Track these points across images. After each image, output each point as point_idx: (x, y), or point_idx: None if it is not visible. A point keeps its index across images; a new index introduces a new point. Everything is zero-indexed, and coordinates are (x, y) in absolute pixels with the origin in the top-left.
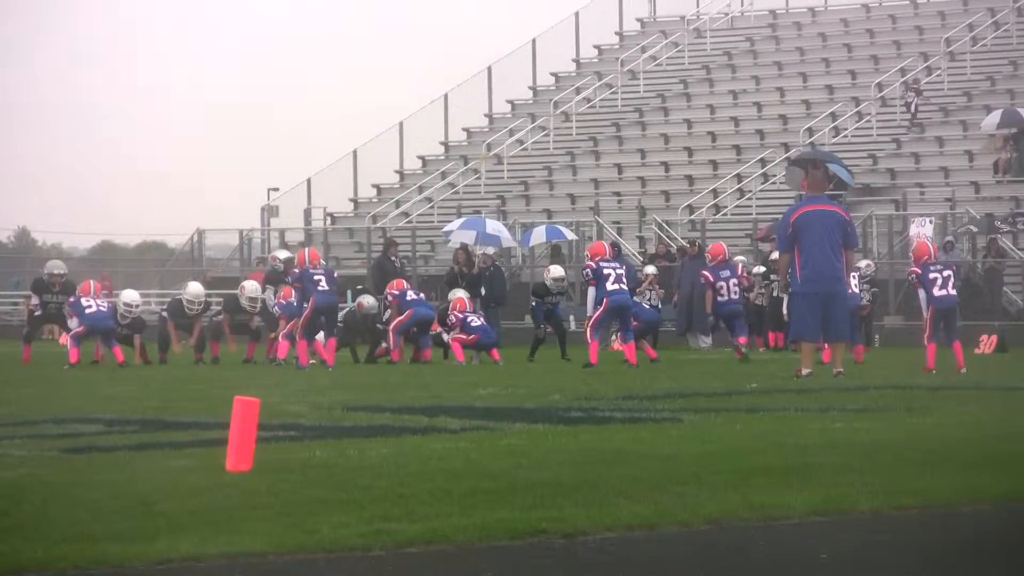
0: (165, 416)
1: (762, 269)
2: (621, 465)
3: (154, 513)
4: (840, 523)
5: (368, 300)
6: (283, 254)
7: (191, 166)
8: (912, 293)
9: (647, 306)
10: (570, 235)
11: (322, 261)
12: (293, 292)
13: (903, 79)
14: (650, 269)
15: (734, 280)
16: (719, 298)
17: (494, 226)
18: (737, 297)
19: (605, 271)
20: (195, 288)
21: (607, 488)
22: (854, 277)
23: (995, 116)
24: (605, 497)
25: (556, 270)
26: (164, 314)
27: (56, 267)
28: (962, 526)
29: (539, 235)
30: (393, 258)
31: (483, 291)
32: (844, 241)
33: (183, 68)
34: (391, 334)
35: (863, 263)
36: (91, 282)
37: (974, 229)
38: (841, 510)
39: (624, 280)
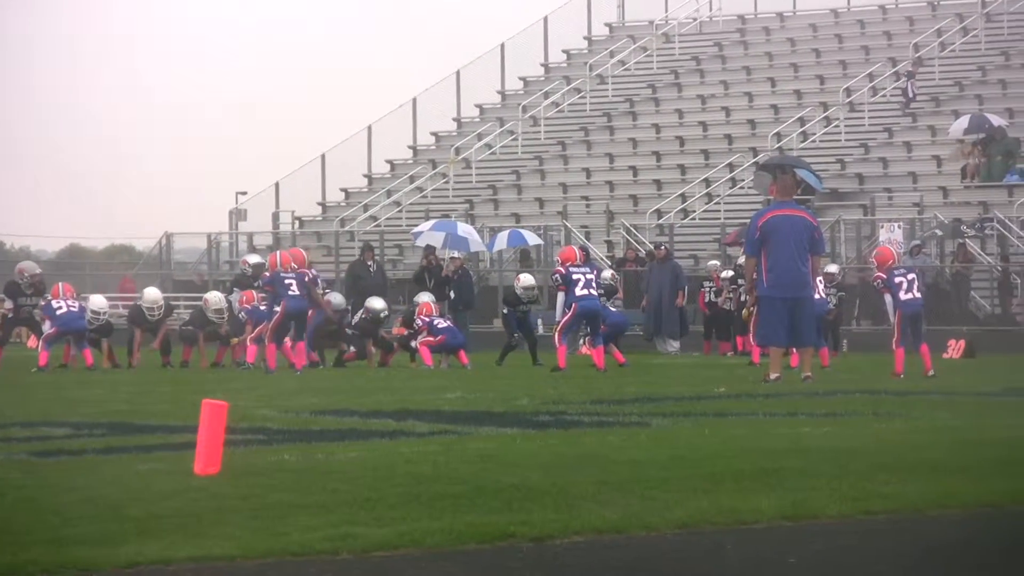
0: (134, 420)
1: (730, 274)
2: (590, 469)
3: (123, 517)
4: (809, 528)
5: (336, 298)
6: (253, 258)
7: (158, 168)
8: (879, 298)
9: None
10: (533, 240)
11: (293, 264)
12: (257, 296)
13: (893, 69)
14: (606, 274)
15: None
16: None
17: (465, 229)
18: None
19: (575, 276)
20: (152, 294)
21: (576, 492)
22: (821, 282)
23: (963, 121)
24: (574, 501)
25: (526, 279)
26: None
27: (30, 268)
28: (931, 532)
29: (501, 240)
30: (369, 263)
31: (451, 294)
32: (811, 246)
33: (151, 70)
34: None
35: (832, 267)
36: (60, 284)
37: (939, 233)
38: (810, 515)
39: (593, 285)
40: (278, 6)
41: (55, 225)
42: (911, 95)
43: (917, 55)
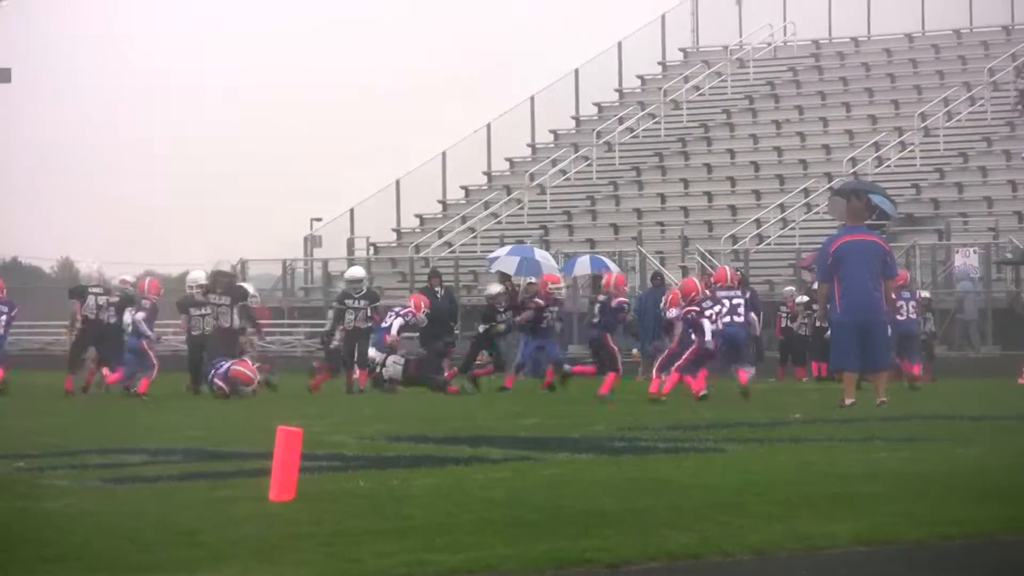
0: (208, 446)
1: (805, 299)
2: (665, 495)
3: (197, 543)
4: (885, 553)
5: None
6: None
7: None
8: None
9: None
10: (613, 267)
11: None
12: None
13: (969, 94)
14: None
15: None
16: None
17: (541, 254)
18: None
19: (722, 300)
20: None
21: (651, 518)
22: (914, 305)
23: None
24: (649, 527)
25: (495, 287)
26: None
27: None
28: (1005, 555)
29: (583, 265)
30: (436, 288)
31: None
32: (884, 271)
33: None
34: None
35: (925, 292)
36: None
37: (1010, 256)
38: (886, 540)
39: (739, 311)
40: (352, 33)
41: (129, 253)
42: None
43: (968, 95)
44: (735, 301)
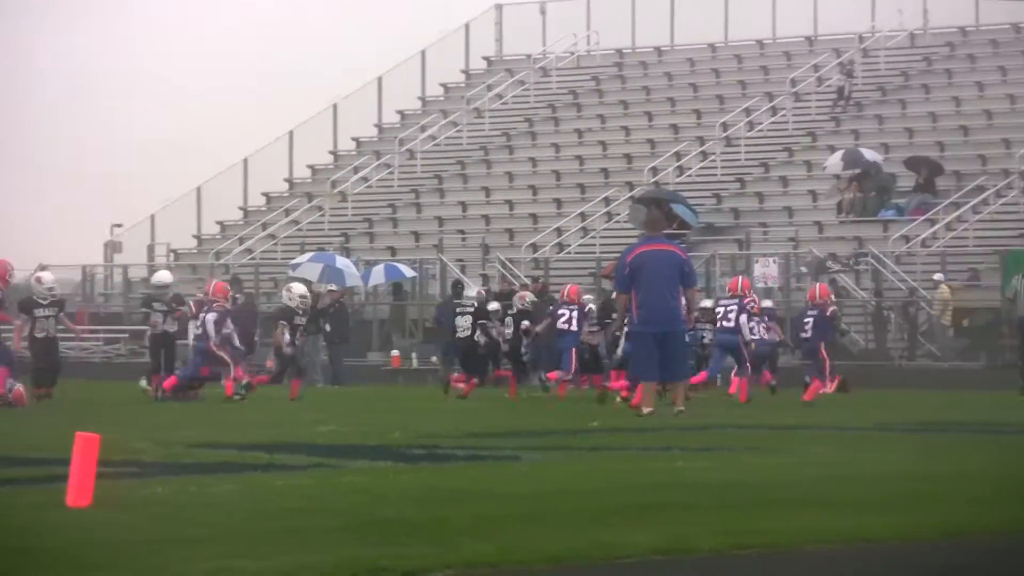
0: (5, 452)
1: (594, 307)
2: (463, 503)
3: None
4: (683, 562)
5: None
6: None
7: (30, 200)
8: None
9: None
10: (409, 273)
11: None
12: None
13: (771, 104)
14: (493, 305)
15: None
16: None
17: (343, 262)
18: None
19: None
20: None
21: (449, 526)
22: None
23: (837, 157)
24: (447, 535)
25: (298, 287)
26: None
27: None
28: (804, 566)
29: (378, 274)
30: (237, 296)
31: (327, 327)
32: (682, 280)
33: (14, 100)
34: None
35: (707, 302)
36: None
37: (804, 270)
38: (684, 549)
39: (729, 318)
40: (155, 40)
41: None
42: (847, 95)
43: (770, 104)
44: (729, 308)
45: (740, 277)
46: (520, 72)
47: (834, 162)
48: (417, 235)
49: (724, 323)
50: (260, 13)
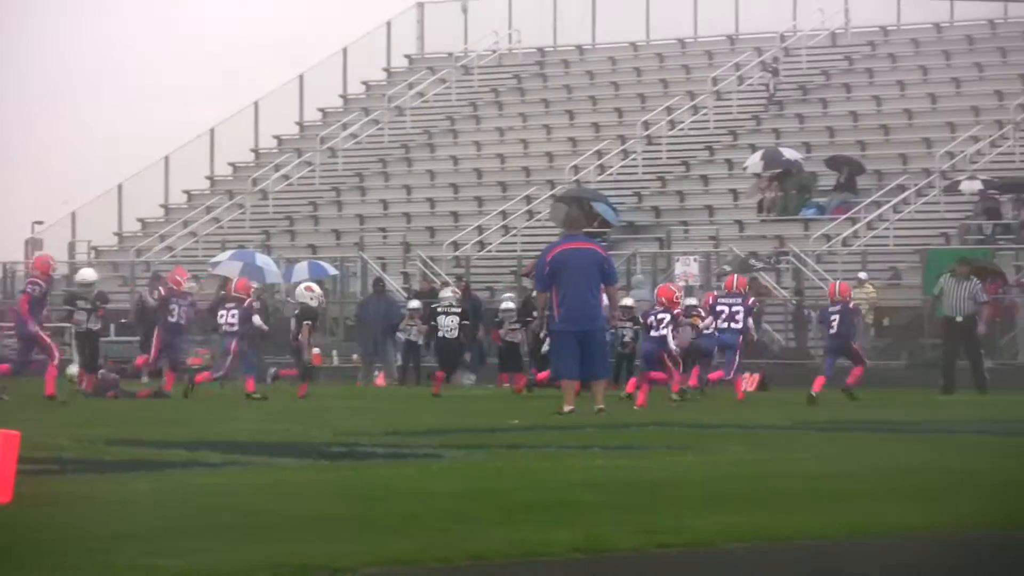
0: None
1: (511, 306)
2: (385, 500)
3: None
4: (601, 561)
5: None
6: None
7: None
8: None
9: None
10: (332, 271)
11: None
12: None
13: (692, 102)
14: (413, 303)
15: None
16: None
17: (263, 260)
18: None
19: (719, 308)
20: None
21: (371, 523)
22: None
23: (757, 156)
24: (368, 532)
25: (316, 287)
26: None
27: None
28: (722, 564)
29: (301, 271)
30: (155, 292)
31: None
32: (603, 278)
33: None
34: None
35: (628, 300)
36: None
37: (727, 268)
38: (603, 548)
39: (737, 318)
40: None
41: None
42: (772, 92)
43: (691, 103)
44: (734, 308)
45: (735, 276)
46: (442, 70)
47: (754, 161)
48: (338, 233)
49: (732, 324)
50: (181, 10)
